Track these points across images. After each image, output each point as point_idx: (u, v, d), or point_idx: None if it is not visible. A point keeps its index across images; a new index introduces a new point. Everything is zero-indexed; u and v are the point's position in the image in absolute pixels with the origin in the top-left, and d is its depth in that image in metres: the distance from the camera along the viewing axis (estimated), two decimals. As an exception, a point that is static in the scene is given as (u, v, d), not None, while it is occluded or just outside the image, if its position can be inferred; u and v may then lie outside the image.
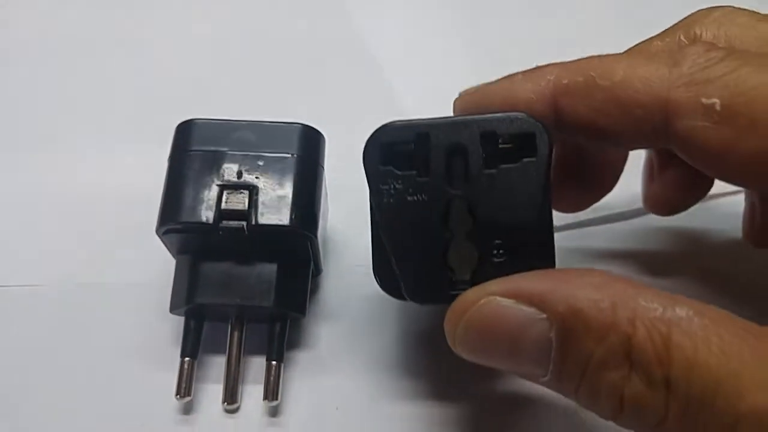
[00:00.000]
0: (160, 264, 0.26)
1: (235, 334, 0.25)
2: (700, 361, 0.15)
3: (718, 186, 0.25)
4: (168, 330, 0.26)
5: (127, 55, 0.36)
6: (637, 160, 0.28)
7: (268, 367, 0.25)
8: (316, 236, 0.24)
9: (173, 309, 0.25)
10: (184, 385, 0.24)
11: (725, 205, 0.29)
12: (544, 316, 0.17)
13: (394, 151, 0.20)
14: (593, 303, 0.17)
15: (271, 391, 0.24)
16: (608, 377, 0.17)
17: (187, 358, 0.24)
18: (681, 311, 0.16)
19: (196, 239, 0.24)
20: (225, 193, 0.23)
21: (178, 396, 0.24)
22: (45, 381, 0.25)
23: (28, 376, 0.26)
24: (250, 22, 0.37)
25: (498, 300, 0.18)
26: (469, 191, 0.20)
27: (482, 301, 0.19)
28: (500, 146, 0.20)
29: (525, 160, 0.20)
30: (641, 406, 0.16)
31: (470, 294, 0.19)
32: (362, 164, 0.20)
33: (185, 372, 0.24)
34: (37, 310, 0.27)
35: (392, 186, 0.20)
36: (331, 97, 0.34)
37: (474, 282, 0.20)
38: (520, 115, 0.20)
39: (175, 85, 0.34)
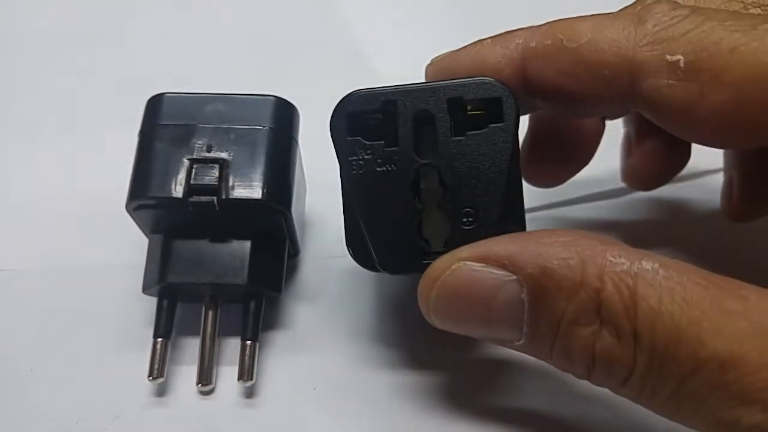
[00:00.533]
0: (132, 245, 0.26)
1: (210, 313, 0.25)
2: (663, 311, 0.15)
3: (697, 165, 0.26)
4: (141, 312, 0.26)
5: (99, 43, 0.36)
6: (616, 137, 0.28)
7: (243, 346, 0.24)
8: (290, 211, 0.24)
9: (146, 289, 0.24)
10: (156, 366, 0.24)
11: (705, 183, 0.29)
12: (515, 277, 0.17)
13: (361, 121, 0.20)
14: (562, 261, 0.17)
15: (247, 371, 0.24)
16: (580, 334, 0.17)
17: (159, 339, 0.24)
18: (647, 264, 0.16)
19: (167, 216, 0.24)
20: (195, 167, 0.23)
21: (150, 377, 0.24)
22: (16, 366, 0.25)
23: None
24: (227, 6, 0.37)
25: (468, 265, 0.18)
26: (438, 159, 0.20)
27: (453, 267, 0.19)
28: (468, 113, 0.20)
29: (492, 125, 0.20)
30: (612, 361, 0.16)
31: (441, 261, 0.19)
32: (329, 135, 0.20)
33: (158, 352, 0.24)
34: (6, 294, 0.27)
35: (361, 156, 0.20)
36: (310, 77, 0.34)
37: (447, 251, 0.20)
38: (486, 79, 0.20)
39: (148, 69, 0.34)
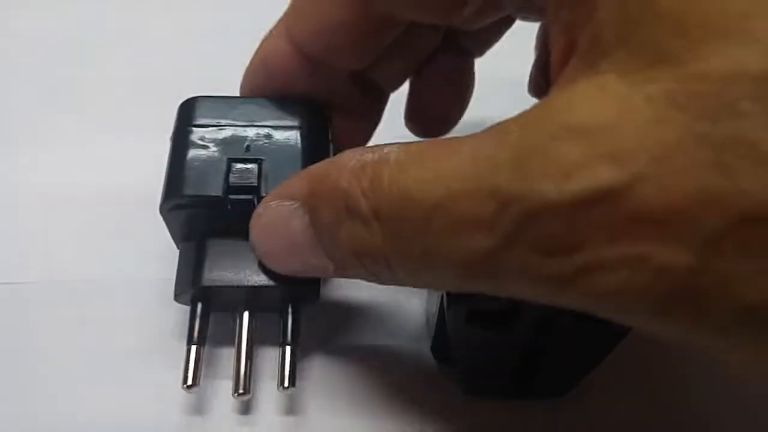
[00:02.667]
0: (157, 258, 0.25)
1: (245, 317, 0.23)
2: (394, 182, 0.16)
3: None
4: (168, 325, 0.25)
5: (115, 47, 0.36)
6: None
7: (282, 352, 0.23)
8: None
9: (178, 295, 0.23)
10: (191, 374, 0.23)
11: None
12: (297, 204, 0.19)
13: (482, 313, 0.19)
14: (324, 174, 0.18)
15: (288, 377, 0.23)
16: (341, 236, 0.17)
17: (194, 346, 0.23)
18: (390, 149, 0.16)
19: (202, 218, 0.22)
20: (233, 166, 0.22)
21: (185, 385, 0.23)
22: (40, 383, 0.24)
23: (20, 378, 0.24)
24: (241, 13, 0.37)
25: (268, 204, 0.20)
26: (552, 339, 0.20)
27: (259, 210, 0.20)
28: None
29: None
30: (369, 251, 0.17)
31: (257, 209, 0.21)
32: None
33: (192, 359, 0.23)
34: (27, 308, 0.25)
35: (476, 335, 0.19)
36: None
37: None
38: None
39: (168, 78, 0.32)
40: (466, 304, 0.18)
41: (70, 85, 0.34)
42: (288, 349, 0.23)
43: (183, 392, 0.23)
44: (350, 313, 0.26)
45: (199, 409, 0.24)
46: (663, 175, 0.12)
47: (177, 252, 0.24)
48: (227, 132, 0.23)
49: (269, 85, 0.23)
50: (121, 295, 0.26)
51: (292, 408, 0.24)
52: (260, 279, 0.22)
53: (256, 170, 0.22)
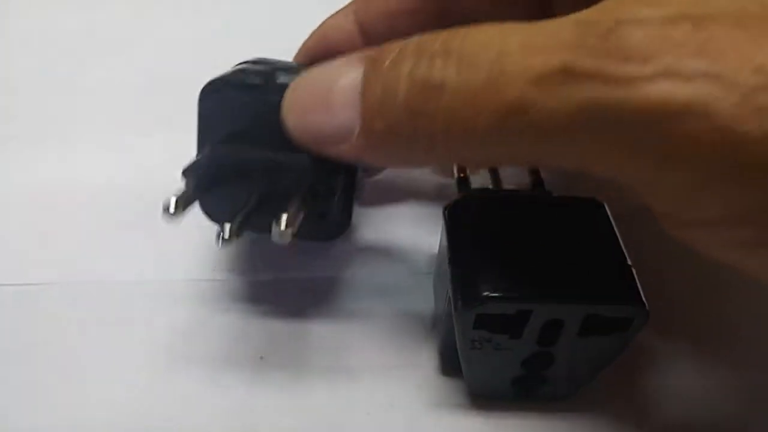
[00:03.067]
0: (170, 261, 0.26)
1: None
2: (476, 29, 0.16)
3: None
4: (180, 326, 0.25)
5: (125, 48, 0.37)
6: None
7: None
8: None
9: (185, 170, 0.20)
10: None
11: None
12: (355, 59, 0.18)
13: (489, 319, 0.19)
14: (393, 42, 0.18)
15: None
16: (401, 71, 0.17)
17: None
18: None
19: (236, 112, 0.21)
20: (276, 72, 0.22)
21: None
22: (51, 385, 0.24)
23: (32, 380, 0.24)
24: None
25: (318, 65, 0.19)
26: (556, 349, 0.20)
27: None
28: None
29: (616, 333, 0.20)
30: (426, 80, 0.16)
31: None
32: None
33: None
34: (36, 309, 0.26)
35: (482, 341, 0.20)
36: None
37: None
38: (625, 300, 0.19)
39: (177, 79, 0.30)
40: (474, 308, 0.19)
41: (81, 85, 0.35)
42: None
43: (197, 394, 0.23)
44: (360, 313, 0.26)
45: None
46: None
47: (187, 254, 0.25)
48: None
49: (323, 57, 0.22)
50: (133, 297, 0.26)
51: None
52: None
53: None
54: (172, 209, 0.19)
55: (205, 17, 0.40)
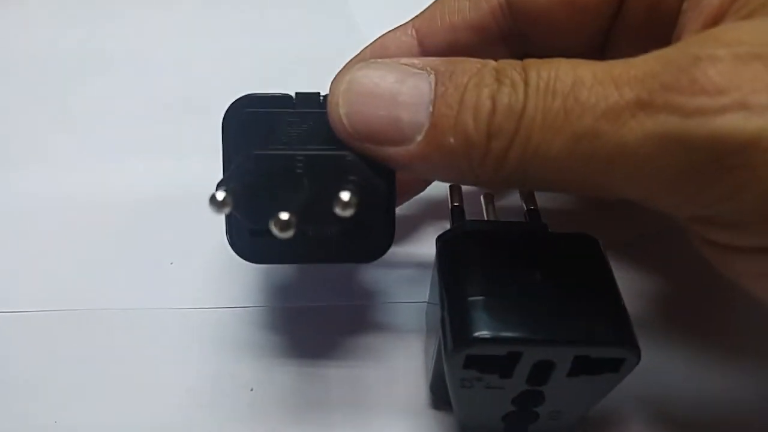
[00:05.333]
0: (184, 290, 0.25)
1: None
2: (550, 61, 0.17)
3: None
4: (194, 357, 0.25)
5: (125, 66, 0.37)
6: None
7: None
8: None
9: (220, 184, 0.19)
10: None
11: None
12: (422, 67, 0.18)
13: (479, 359, 0.19)
14: (466, 60, 0.18)
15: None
16: (482, 92, 0.17)
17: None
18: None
19: (264, 123, 0.20)
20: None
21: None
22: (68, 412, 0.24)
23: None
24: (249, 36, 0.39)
25: (381, 60, 0.19)
26: (547, 388, 0.20)
27: (367, 63, 0.19)
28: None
29: (607, 374, 0.20)
30: (507, 106, 0.17)
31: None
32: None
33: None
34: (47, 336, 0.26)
35: (472, 380, 0.20)
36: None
37: None
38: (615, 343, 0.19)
39: (180, 97, 0.34)
40: (464, 349, 0.19)
41: (99, 104, 0.35)
42: None
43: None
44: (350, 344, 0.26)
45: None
46: None
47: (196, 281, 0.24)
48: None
49: None
50: (124, 325, 0.26)
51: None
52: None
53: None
54: (220, 197, 0.18)
55: (205, 37, 0.40)
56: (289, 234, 0.18)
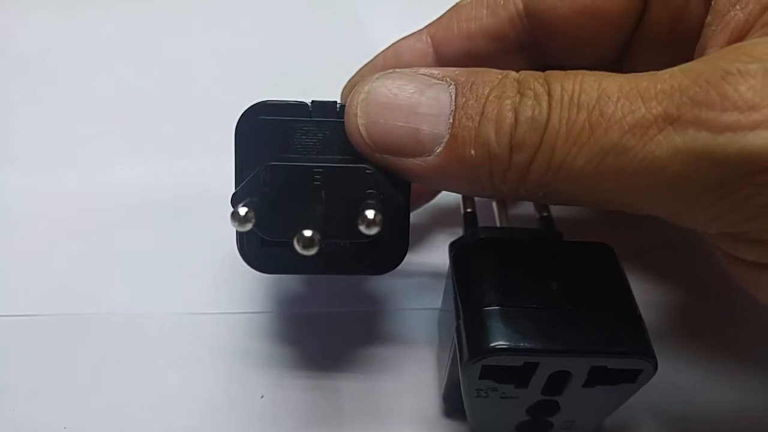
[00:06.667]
0: (193, 295, 0.25)
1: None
2: (574, 73, 0.17)
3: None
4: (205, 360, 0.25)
5: (127, 67, 0.37)
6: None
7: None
8: None
9: (236, 197, 0.19)
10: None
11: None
12: (442, 78, 0.18)
13: (496, 368, 0.19)
14: (486, 71, 0.18)
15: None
16: (504, 103, 0.17)
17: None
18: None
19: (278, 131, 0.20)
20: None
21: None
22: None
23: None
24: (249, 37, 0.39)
25: (400, 70, 0.19)
26: (562, 398, 0.20)
27: (386, 72, 0.19)
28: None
29: (624, 384, 0.19)
30: (531, 117, 0.17)
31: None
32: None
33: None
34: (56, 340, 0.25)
35: (488, 390, 0.20)
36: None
37: None
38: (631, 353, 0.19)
39: (183, 98, 0.33)
40: (480, 359, 0.19)
41: (99, 104, 0.35)
42: None
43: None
44: (361, 351, 0.26)
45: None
46: None
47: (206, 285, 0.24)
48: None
49: None
50: (133, 330, 0.26)
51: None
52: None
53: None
54: (242, 212, 0.18)
55: (207, 37, 0.40)
56: (312, 251, 0.18)
